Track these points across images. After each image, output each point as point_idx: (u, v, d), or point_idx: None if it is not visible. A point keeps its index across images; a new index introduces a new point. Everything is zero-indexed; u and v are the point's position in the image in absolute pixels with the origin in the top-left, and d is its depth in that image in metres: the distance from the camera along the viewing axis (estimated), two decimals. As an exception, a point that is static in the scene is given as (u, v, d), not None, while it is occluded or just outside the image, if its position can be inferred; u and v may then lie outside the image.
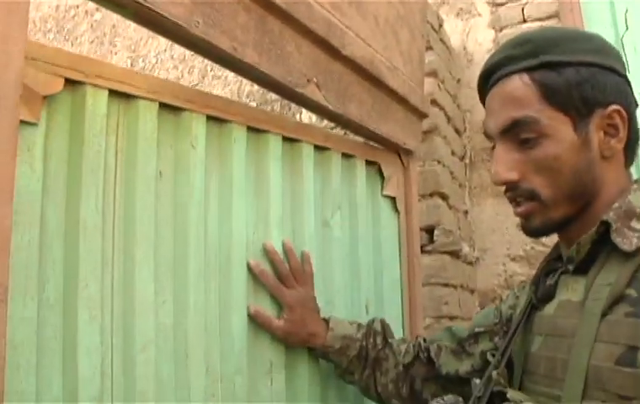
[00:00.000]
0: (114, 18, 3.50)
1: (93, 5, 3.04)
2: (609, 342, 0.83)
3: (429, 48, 2.04)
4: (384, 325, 1.44)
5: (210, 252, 1.19)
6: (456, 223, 2.18)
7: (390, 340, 1.42)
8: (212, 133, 1.21)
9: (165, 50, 3.29)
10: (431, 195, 1.98)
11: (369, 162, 1.66)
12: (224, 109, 1.22)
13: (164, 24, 0.94)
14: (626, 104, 0.93)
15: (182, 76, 3.22)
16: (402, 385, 1.38)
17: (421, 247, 1.85)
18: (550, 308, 0.97)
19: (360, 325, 1.42)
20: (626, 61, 2.41)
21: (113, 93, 1.02)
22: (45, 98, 0.92)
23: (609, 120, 0.93)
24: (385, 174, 1.70)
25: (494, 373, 0.97)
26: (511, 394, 0.87)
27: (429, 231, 2.01)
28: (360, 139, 1.67)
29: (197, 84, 3.16)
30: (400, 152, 1.75)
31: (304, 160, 1.42)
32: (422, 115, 1.81)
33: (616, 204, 0.91)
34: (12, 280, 0.80)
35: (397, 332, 1.63)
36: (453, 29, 2.44)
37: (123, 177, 1.04)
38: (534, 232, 0.98)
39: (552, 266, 1.03)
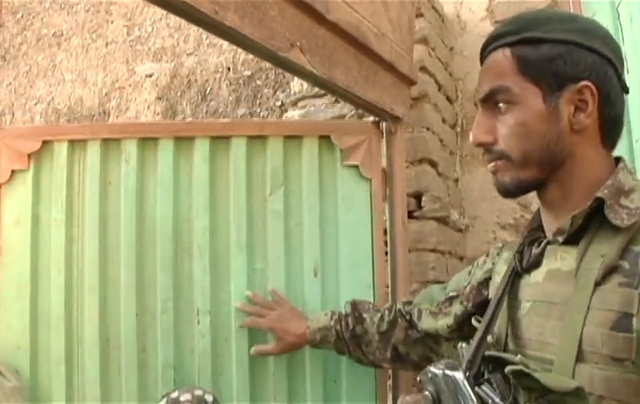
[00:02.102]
0: (110, -15, 3.50)
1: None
2: (603, 309, 0.89)
3: (420, 15, 2.04)
4: (353, 305, 1.61)
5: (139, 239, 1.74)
6: (446, 190, 2.19)
7: (364, 315, 1.58)
8: (142, 149, 1.75)
9: (160, 19, 3.29)
10: (420, 162, 2.00)
11: (323, 137, 1.78)
12: (151, 131, 1.79)
13: (143, -15, 0.95)
14: (600, 82, 0.98)
15: (177, 44, 3.22)
16: (384, 350, 1.54)
17: (409, 212, 1.87)
18: (537, 276, 1.03)
19: (333, 313, 1.62)
20: (621, 32, 2.40)
21: (71, 141, 1.75)
22: (29, 154, 1.73)
23: (579, 96, 0.97)
24: (342, 146, 1.77)
25: (489, 338, 1.02)
26: (520, 358, 0.89)
27: (418, 197, 2.04)
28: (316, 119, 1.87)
29: (192, 52, 3.17)
30: (387, 118, 1.77)
31: (232, 153, 1.76)
32: (410, 82, 1.83)
33: (609, 182, 0.96)
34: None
35: (367, 295, 1.73)
36: (446, -4, 2.44)
37: (82, 189, 1.74)
38: (505, 189, 1.04)
39: (535, 235, 1.08)
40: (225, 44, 3.06)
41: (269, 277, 1.75)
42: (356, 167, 1.77)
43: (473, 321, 1.12)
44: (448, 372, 0.98)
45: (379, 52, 1.62)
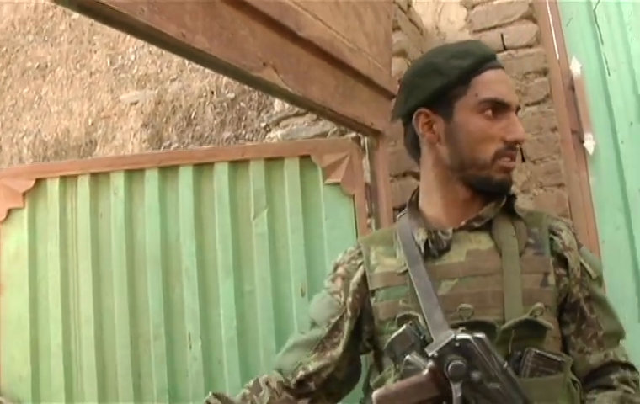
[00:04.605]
0: (93, 16, 3.50)
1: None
2: (531, 272, 1.19)
3: (397, 28, 2.04)
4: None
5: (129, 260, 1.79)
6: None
7: None
8: (129, 181, 1.80)
9: (143, 47, 3.29)
10: (404, 175, 1.99)
11: (303, 157, 1.80)
12: (137, 162, 1.84)
13: (107, 13, 0.95)
14: None
15: (160, 70, 3.22)
16: None
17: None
18: (456, 257, 1.22)
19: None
20: (599, 32, 2.41)
21: (62, 177, 1.82)
22: (24, 193, 1.82)
23: None
24: (323, 164, 1.78)
25: (465, 305, 1.17)
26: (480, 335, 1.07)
27: (404, 209, 2.02)
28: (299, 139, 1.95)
29: (175, 78, 3.17)
30: (368, 133, 1.77)
31: (216, 178, 1.80)
32: (390, 96, 1.82)
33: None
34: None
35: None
36: (425, 9, 2.44)
37: (75, 222, 1.81)
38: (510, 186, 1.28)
39: (431, 228, 1.27)
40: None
41: (257, 299, 1.76)
42: (338, 184, 1.78)
43: (385, 302, 1.25)
44: (477, 335, 1.06)
45: (355, 67, 1.62)
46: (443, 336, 1.08)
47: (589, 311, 1.24)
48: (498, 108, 1.23)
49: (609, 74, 2.35)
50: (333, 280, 1.37)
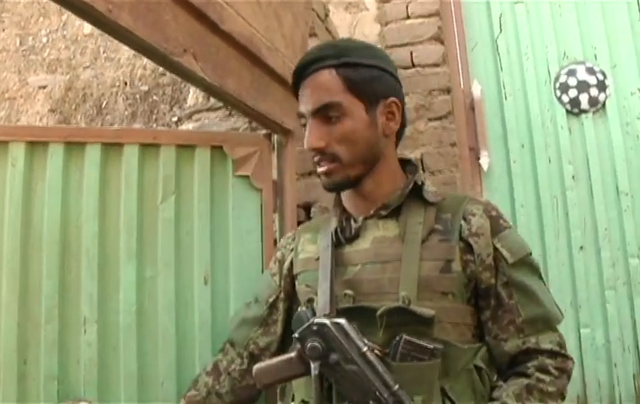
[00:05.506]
0: (3, -7, 3.40)
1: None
2: (431, 259, 1.22)
3: (314, 35, 2.12)
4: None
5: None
6: (333, 201, 2.28)
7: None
8: (31, 153, 1.69)
9: (57, 30, 3.22)
10: (309, 174, 2.07)
11: (215, 147, 1.81)
12: (41, 134, 1.73)
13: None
14: (400, 98, 1.32)
15: (73, 56, 3.16)
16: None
17: (298, 222, 1.93)
18: (361, 244, 1.29)
19: None
20: (500, 61, 2.61)
21: None
22: None
23: (389, 109, 1.30)
24: (234, 156, 1.81)
25: (348, 291, 1.25)
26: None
27: (307, 208, 2.10)
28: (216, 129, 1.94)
29: (88, 66, 3.12)
30: (278, 131, 1.83)
31: (124, 159, 1.75)
32: (302, 97, 1.89)
33: (417, 175, 1.33)
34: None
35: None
36: (341, 21, 2.54)
37: None
38: (334, 187, 1.32)
39: (343, 217, 1.36)
40: (122, 58, 3.03)
41: (159, 285, 1.73)
42: (247, 177, 1.81)
43: (302, 286, 1.37)
44: (335, 320, 1.15)
45: (271, 65, 1.68)
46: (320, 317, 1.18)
47: (508, 297, 1.24)
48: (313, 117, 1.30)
49: (505, 98, 2.54)
50: (274, 262, 1.52)
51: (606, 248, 2.37)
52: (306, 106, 1.29)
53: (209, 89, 1.53)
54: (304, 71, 1.31)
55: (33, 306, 1.65)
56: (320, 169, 1.30)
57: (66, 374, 1.65)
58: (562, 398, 1.23)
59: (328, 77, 1.27)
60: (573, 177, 2.43)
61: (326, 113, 1.26)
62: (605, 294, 2.35)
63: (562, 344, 1.26)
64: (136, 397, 1.66)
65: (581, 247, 2.39)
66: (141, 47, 1.25)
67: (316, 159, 1.30)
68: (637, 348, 2.29)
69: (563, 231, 2.41)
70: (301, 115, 1.33)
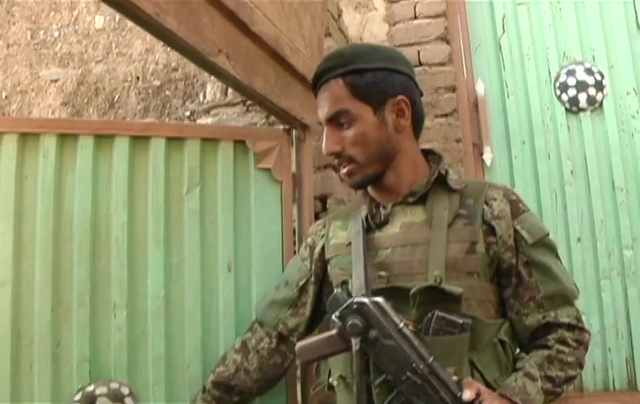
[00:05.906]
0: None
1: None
2: (457, 242, 1.32)
3: (328, 35, 2.21)
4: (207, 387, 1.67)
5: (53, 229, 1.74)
6: (348, 193, 2.37)
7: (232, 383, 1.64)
8: (62, 145, 1.77)
9: (68, 25, 3.28)
10: (325, 167, 2.16)
11: (238, 142, 1.90)
12: (71, 127, 1.81)
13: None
14: (410, 94, 1.40)
15: (85, 51, 3.22)
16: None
17: (315, 213, 2.03)
18: (391, 229, 1.39)
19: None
20: (502, 61, 2.70)
21: None
22: None
23: (398, 106, 1.39)
24: (256, 150, 1.90)
25: (383, 273, 1.35)
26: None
27: (323, 199, 2.20)
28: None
29: (101, 60, 3.19)
30: (298, 126, 1.93)
31: (151, 152, 1.83)
32: (319, 95, 1.99)
33: (441, 165, 1.42)
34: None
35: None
36: (351, 21, 2.63)
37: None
38: (357, 185, 1.43)
39: (374, 204, 1.45)
40: (135, 53, 3.10)
41: (184, 271, 1.81)
42: (268, 170, 1.90)
43: (335, 270, 1.47)
44: (374, 299, 1.23)
45: (293, 64, 1.78)
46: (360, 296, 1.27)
47: (528, 276, 1.34)
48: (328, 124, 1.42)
49: (508, 97, 2.64)
50: (305, 248, 1.62)
51: (602, 240, 2.47)
52: (321, 114, 1.42)
53: (239, 87, 1.62)
54: (318, 80, 1.43)
55: (65, 292, 1.73)
56: (341, 171, 1.42)
57: (97, 356, 1.73)
58: (581, 367, 1.34)
59: (335, 87, 1.39)
60: (572, 172, 2.53)
61: (337, 120, 1.38)
62: (601, 283, 2.45)
63: (579, 318, 1.36)
64: (164, 379, 1.74)
65: (578, 239, 2.49)
66: (182, 48, 1.35)
67: (335, 162, 1.43)
68: (630, 334, 2.40)
69: (562, 224, 2.51)
70: (319, 122, 1.46)
